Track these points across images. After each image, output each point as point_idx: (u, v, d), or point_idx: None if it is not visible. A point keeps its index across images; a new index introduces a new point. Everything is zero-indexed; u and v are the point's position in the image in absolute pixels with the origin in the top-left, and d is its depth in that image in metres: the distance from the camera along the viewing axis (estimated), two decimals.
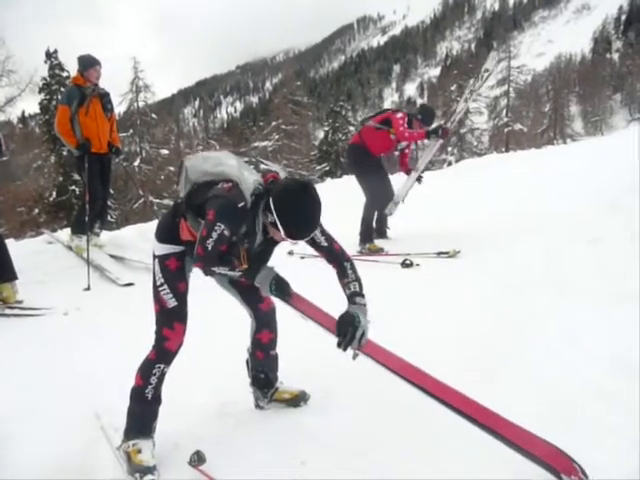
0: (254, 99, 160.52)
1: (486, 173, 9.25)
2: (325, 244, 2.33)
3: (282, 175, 2.31)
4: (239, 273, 2.15)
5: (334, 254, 2.36)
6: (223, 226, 2.09)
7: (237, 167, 2.22)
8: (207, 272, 2.21)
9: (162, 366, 2.31)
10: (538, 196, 6.24)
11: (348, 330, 2.15)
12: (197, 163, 2.34)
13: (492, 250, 4.72)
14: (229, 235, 2.13)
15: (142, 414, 2.32)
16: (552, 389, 2.44)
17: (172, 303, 2.30)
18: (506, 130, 38.56)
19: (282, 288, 2.21)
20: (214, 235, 2.09)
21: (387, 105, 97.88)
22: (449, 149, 38.00)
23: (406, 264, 4.74)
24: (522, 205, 5.99)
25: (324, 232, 2.32)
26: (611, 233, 4.17)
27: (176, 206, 2.41)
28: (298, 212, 2.03)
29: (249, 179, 2.15)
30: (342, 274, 2.36)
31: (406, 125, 5.24)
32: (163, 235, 2.38)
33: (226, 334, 3.20)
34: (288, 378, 2.72)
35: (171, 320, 2.31)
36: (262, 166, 2.30)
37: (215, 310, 3.28)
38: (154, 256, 2.38)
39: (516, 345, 2.91)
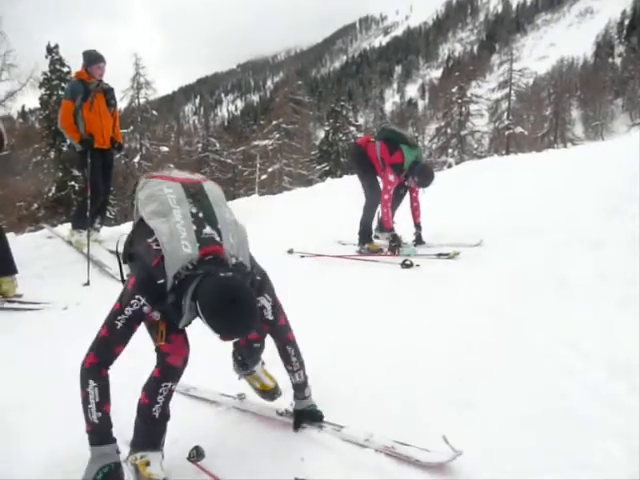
0: (255, 97, 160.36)
1: (487, 175, 9.23)
2: (270, 318, 2.18)
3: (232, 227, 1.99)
4: (96, 420, 1.88)
5: (277, 329, 2.25)
6: (143, 300, 1.87)
7: (171, 233, 1.87)
8: (87, 374, 1.89)
9: (169, 384, 2.13)
10: (538, 199, 6.23)
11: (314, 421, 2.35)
12: (143, 198, 2.09)
13: (492, 252, 4.73)
14: (148, 312, 1.92)
15: (150, 431, 2.18)
16: (550, 390, 2.45)
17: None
18: (507, 133, 38.62)
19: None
20: (128, 311, 1.88)
21: (388, 106, 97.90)
22: (449, 151, 38.06)
23: (406, 264, 4.74)
24: (522, 208, 5.98)
25: (274, 305, 2.17)
26: (612, 237, 4.17)
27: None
28: (224, 324, 1.75)
29: (180, 253, 1.83)
30: (286, 360, 2.31)
31: (391, 191, 5.17)
32: (125, 256, 2.19)
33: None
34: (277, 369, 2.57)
35: (155, 333, 2.13)
36: (206, 230, 1.90)
37: None
38: (122, 279, 2.25)
39: (515, 346, 2.92)
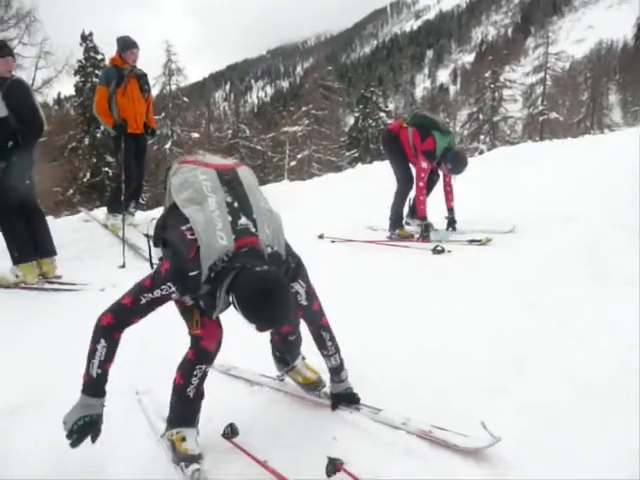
0: (285, 84, 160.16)
1: (521, 161, 9.06)
2: (304, 303, 2.16)
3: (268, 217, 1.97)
4: (95, 374, 1.93)
5: (311, 315, 2.25)
6: (173, 289, 1.88)
7: (207, 223, 1.85)
8: (101, 332, 1.93)
9: (203, 367, 2.18)
10: (574, 186, 6.09)
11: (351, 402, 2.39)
12: (176, 184, 2.06)
13: (525, 239, 4.65)
14: (177, 298, 1.95)
15: (185, 409, 2.24)
16: (586, 377, 2.40)
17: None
18: (541, 119, 37.65)
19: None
20: (157, 293, 1.88)
21: (419, 92, 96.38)
22: (481, 137, 37.35)
23: (437, 250, 4.70)
24: (557, 195, 5.85)
25: (308, 291, 2.16)
26: None
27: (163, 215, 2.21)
28: (261, 317, 1.76)
29: (216, 244, 1.81)
30: (321, 344, 2.32)
31: (425, 178, 5.15)
32: (157, 240, 2.21)
33: None
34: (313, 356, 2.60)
35: (188, 319, 2.16)
36: (241, 221, 1.87)
37: None
38: (159, 259, 2.28)
39: (549, 333, 2.88)
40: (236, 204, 1.93)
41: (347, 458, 2.03)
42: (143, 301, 1.91)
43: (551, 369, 2.53)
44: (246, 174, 2.12)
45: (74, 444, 1.93)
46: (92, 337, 1.95)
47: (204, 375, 2.20)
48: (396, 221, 5.47)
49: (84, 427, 1.92)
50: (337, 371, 2.39)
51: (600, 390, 2.30)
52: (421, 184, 5.16)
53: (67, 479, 2.16)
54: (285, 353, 2.58)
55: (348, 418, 2.34)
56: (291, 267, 2.05)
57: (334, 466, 1.99)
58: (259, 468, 2.08)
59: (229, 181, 2.00)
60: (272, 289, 1.75)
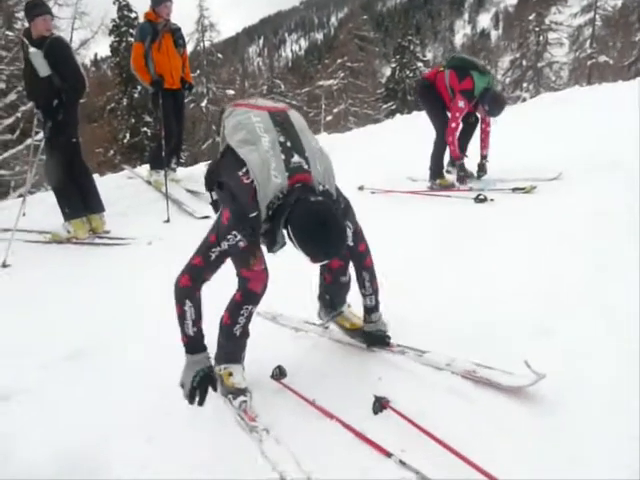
0: (319, 36, 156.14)
1: (567, 107, 8.68)
2: (351, 244, 2.22)
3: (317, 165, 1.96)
4: (192, 334, 2.06)
5: (356, 255, 2.33)
6: (239, 236, 1.94)
7: (262, 163, 1.89)
8: (183, 293, 2.04)
9: (250, 307, 2.27)
10: (622, 132, 5.82)
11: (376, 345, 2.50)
12: (230, 126, 2.10)
13: (571, 186, 4.51)
14: (244, 246, 2.00)
15: (231, 347, 2.36)
16: (630, 324, 2.37)
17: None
18: (589, 63, 35.60)
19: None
20: (224, 245, 1.97)
21: (459, 39, 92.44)
22: (524, 85, 35.75)
23: (480, 199, 4.62)
24: (606, 139, 5.60)
25: (355, 231, 2.23)
26: None
27: (216, 160, 2.28)
28: (316, 246, 1.82)
29: (270, 183, 1.86)
30: (360, 283, 2.41)
31: (459, 119, 5.00)
32: (210, 183, 2.28)
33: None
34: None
35: (246, 260, 2.20)
36: (294, 159, 1.90)
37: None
38: (210, 203, 2.40)
39: (599, 280, 2.83)
40: (289, 143, 1.96)
41: (393, 397, 2.09)
42: (213, 256, 2.01)
43: (601, 314, 2.51)
44: (297, 116, 2.16)
45: (201, 401, 2.08)
46: (176, 299, 2.06)
47: (250, 315, 2.31)
48: (436, 171, 5.38)
49: (202, 381, 2.07)
50: (370, 311, 2.48)
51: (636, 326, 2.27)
52: (454, 124, 5.04)
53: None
54: (334, 296, 2.63)
55: (392, 360, 2.40)
56: (340, 207, 2.09)
57: (380, 404, 2.06)
58: (308, 407, 2.17)
59: (281, 122, 2.04)
60: (326, 218, 1.82)
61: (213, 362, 2.37)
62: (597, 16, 37.57)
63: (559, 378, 2.01)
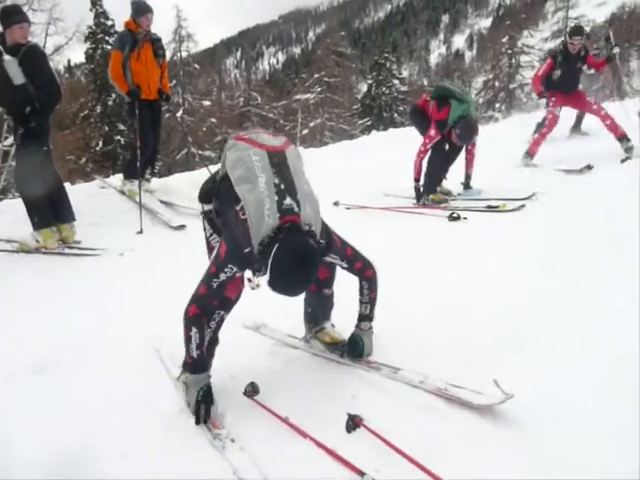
0: (297, 50, 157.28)
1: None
2: (346, 266, 2.41)
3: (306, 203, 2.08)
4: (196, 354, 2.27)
5: (354, 272, 2.46)
6: (235, 269, 2.16)
7: (257, 203, 2.01)
8: (191, 321, 2.25)
9: (222, 313, 2.39)
10: (595, 150, 6.04)
11: (353, 352, 2.57)
12: (231, 160, 2.22)
13: (543, 205, 4.66)
14: (241, 276, 2.22)
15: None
16: (604, 341, 2.43)
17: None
18: None
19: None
20: (222, 277, 2.18)
21: (434, 58, 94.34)
22: (497, 105, 36.62)
23: (453, 217, 4.70)
24: (576, 161, 5.78)
25: (344, 257, 2.37)
26: None
27: (214, 178, 2.44)
28: (286, 282, 1.99)
29: (263, 224, 1.98)
30: (359, 290, 2.52)
31: (429, 145, 5.35)
32: (204, 197, 2.51)
33: None
34: (342, 324, 2.74)
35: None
36: (286, 201, 2.03)
37: None
38: (200, 214, 2.58)
39: (567, 296, 2.90)
40: (283, 185, 2.09)
41: (366, 415, 2.09)
42: (215, 286, 2.21)
43: (565, 329, 2.57)
44: (293, 156, 2.26)
45: (206, 413, 2.24)
46: (185, 325, 2.28)
47: (221, 321, 2.42)
48: (430, 187, 5.49)
49: (204, 396, 2.26)
50: (361, 319, 2.56)
51: (613, 351, 2.33)
52: (422, 148, 5.38)
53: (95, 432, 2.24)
54: (317, 309, 2.74)
55: (367, 377, 2.40)
56: (323, 244, 2.21)
57: (354, 422, 2.06)
58: (281, 424, 2.15)
59: (278, 163, 2.16)
60: (305, 257, 1.98)
61: (181, 369, 2.50)
62: None
63: (531, 396, 2.04)
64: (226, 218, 2.24)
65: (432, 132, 5.29)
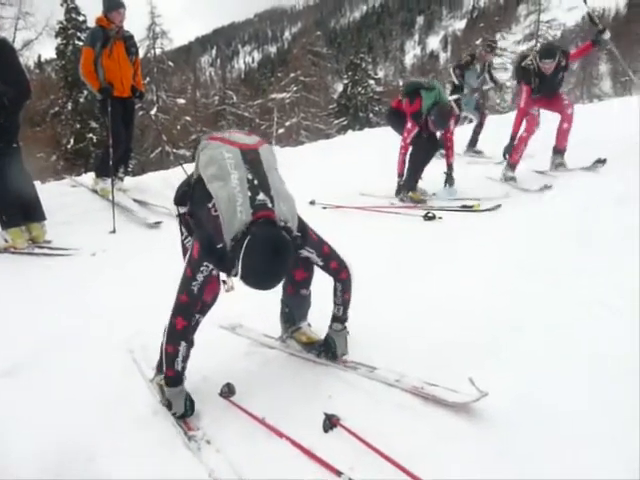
0: (272, 49, 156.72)
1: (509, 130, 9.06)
2: (321, 263, 2.38)
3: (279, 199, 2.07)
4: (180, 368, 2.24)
5: (330, 272, 2.43)
6: (211, 265, 2.10)
7: (229, 199, 2.00)
8: (179, 336, 2.21)
9: (198, 316, 2.32)
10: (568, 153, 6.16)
11: (327, 354, 2.56)
12: (204, 160, 2.20)
13: (515, 206, 4.72)
14: (217, 273, 2.16)
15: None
16: (576, 341, 2.47)
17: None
18: None
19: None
20: (200, 277, 2.12)
21: (409, 59, 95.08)
22: None
23: (428, 217, 4.74)
24: (546, 164, 5.89)
25: (320, 253, 2.34)
26: (637, 192, 4.12)
27: (189, 181, 2.40)
28: (258, 274, 1.95)
29: (235, 219, 1.96)
30: (334, 291, 2.49)
31: (408, 139, 5.43)
32: (179, 200, 2.47)
33: None
34: (317, 323, 2.74)
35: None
36: (259, 196, 2.01)
37: None
38: (176, 216, 2.54)
39: (540, 296, 2.92)
40: (256, 181, 2.07)
41: (343, 414, 2.10)
42: (195, 290, 2.14)
43: (543, 331, 2.59)
44: (267, 154, 2.23)
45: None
46: (170, 339, 2.23)
47: (197, 325, 2.34)
48: (409, 184, 5.52)
49: (192, 405, 2.28)
50: (334, 319, 2.54)
51: (588, 350, 2.37)
52: (402, 144, 5.48)
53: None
54: (295, 309, 2.72)
55: (344, 376, 2.40)
56: (298, 237, 2.18)
57: (331, 421, 2.06)
58: (257, 424, 2.14)
59: (251, 160, 2.14)
60: (278, 247, 1.94)
61: (154, 371, 2.49)
62: (538, 44, 39.51)
63: (506, 395, 2.06)
64: (198, 217, 2.22)
65: (409, 125, 5.38)
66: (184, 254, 2.50)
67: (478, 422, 2.01)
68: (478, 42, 37.48)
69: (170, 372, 2.25)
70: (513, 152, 5.76)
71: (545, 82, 5.45)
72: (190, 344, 2.26)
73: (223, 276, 2.21)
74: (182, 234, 2.53)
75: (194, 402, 2.29)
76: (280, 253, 1.93)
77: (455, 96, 7.51)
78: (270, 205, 2.02)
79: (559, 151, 5.69)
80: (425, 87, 5.29)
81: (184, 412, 2.25)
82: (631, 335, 2.39)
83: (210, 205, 2.06)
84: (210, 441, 2.10)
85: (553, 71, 5.38)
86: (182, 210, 2.46)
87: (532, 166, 5.84)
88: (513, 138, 5.76)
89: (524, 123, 5.77)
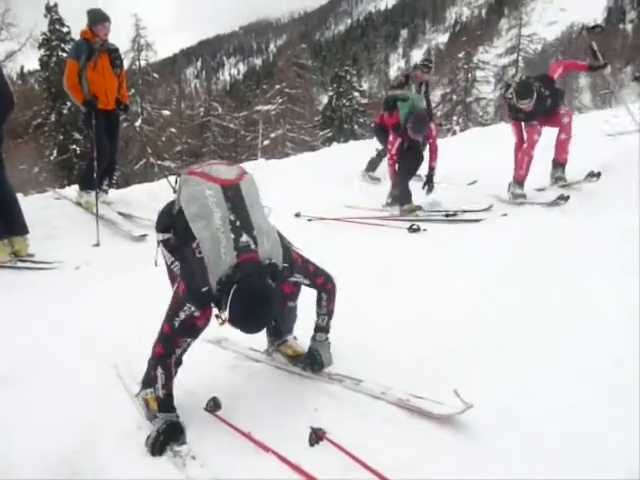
0: (257, 61, 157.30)
1: (495, 141, 9.20)
2: (308, 282, 2.42)
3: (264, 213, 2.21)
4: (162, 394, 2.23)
5: (315, 286, 2.46)
6: (193, 308, 2.13)
7: (213, 241, 2.04)
8: (157, 361, 2.23)
9: (189, 340, 2.28)
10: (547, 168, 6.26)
11: (313, 366, 2.54)
12: (185, 196, 2.22)
13: (500, 218, 4.79)
14: (199, 315, 2.17)
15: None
16: (560, 350, 2.50)
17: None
18: None
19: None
20: (182, 315, 2.14)
21: (393, 72, 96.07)
22: (454, 118, 37.55)
23: (413, 229, 4.78)
24: (532, 176, 5.97)
25: (307, 274, 2.37)
26: (617, 203, 4.21)
27: (170, 211, 2.40)
28: (246, 321, 2.02)
29: (220, 262, 2.01)
30: (318, 303, 2.50)
31: (392, 150, 5.61)
32: (161, 228, 2.49)
33: None
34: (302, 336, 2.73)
35: None
36: (243, 238, 2.05)
37: None
38: (158, 242, 2.52)
39: (524, 307, 2.96)
40: (238, 222, 2.10)
41: (329, 428, 2.10)
42: (177, 325, 2.16)
43: (527, 343, 2.60)
44: (248, 187, 2.25)
45: (160, 449, 2.15)
46: (152, 364, 2.28)
47: (188, 346, 2.30)
48: (404, 197, 5.55)
49: (167, 429, 2.18)
50: (317, 330, 2.54)
51: (570, 359, 2.40)
52: (388, 156, 5.71)
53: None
54: (280, 322, 2.71)
55: (330, 389, 2.40)
56: (286, 268, 2.22)
57: (317, 435, 2.06)
58: (243, 439, 2.13)
59: (232, 197, 2.17)
60: (262, 296, 2.00)
61: (140, 386, 2.48)
62: (520, 58, 40.29)
63: (491, 408, 2.08)
64: (183, 254, 2.25)
65: (391, 137, 5.62)
66: (171, 279, 2.52)
67: (463, 434, 2.02)
68: (461, 55, 38.20)
69: (156, 399, 2.27)
70: (517, 167, 5.38)
71: (532, 112, 5.14)
72: (169, 371, 2.24)
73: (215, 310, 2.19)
74: (167, 259, 2.52)
75: (181, 430, 2.23)
76: (265, 304, 2.00)
77: None
78: (253, 247, 2.06)
79: (559, 164, 5.39)
80: (400, 98, 5.55)
81: (155, 433, 2.17)
82: (618, 347, 2.42)
83: (194, 245, 2.11)
84: (195, 456, 2.09)
85: (535, 104, 5.05)
86: (165, 237, 2.47)
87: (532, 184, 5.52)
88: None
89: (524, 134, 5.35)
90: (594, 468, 1.75)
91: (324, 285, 2.45)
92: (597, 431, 1.93)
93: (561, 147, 5.33)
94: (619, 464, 1.76)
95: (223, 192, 2.16)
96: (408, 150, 5.58)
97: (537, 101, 5.03)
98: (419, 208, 5.40)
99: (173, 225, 2.36)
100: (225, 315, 2.05)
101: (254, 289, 1.98)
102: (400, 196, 5.56)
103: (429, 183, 5.59)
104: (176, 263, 2.45)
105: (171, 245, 2.47)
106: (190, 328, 2.23)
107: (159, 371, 2.22)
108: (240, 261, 2.01)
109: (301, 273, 2.35)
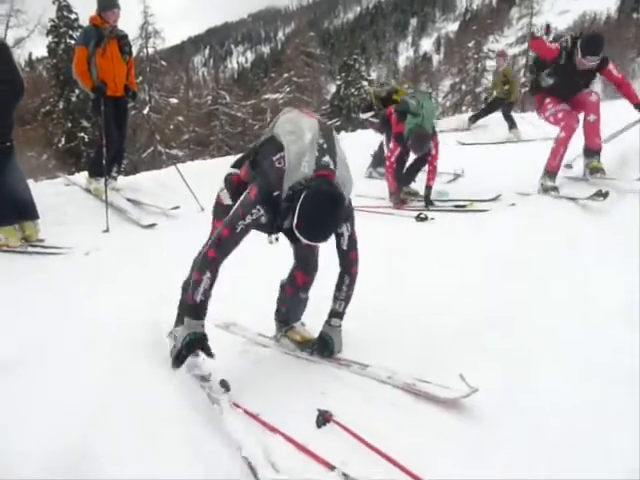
0: (266, 49, 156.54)
1: (502, 133, 9.18)
2: (344, 247, 2.44)
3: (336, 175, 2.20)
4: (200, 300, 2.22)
5: (346, 260, 2.48)
6: (262, 211, 2.19)
7: (298, 153, 2.17)
8: (207, 264, 2.22)
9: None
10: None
11: (323, 351, 2.56)
12: (283, 119, 2.37)
13: (507, 208, 4.78)
14: (266, 221, 2.22)
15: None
16: (565, 338, 2.53)
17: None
18: (523, 90, 37.60)
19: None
20: (248, 219, 2.19)
21: (402, 61, 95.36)
22: (463, 108, 37.26)
23: (421, 218, 4.79)
24: (537, 167, 5.95)
25: (351, 237, 2.42)
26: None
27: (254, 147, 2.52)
28: (313, 223, 2.09)
29: (298, 171, 2.14)
30: (338, 285, 2.52)
31: (392, 158, 5.56)
32: (237, 162, 2.61)
33: (260, 276, 3.22)
34: (312, 321, 2.77)
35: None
36: (325, 158, 2.17)
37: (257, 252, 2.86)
38: (225, 179, 2.61)
39: (529, 296, 2.98)
40: (325, 146, 2.23)
41: (336, 410, 2.13)
42: (239, 229, 2.20)
43: (533, 331, 2.63)
44: (336, 134, 2.40)
45: (182, 359, 2.26)
46: (197, 267, 2.26)
47: (215, 278, 2.28)
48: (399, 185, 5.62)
49: (190, 343, 2.25)
50: (333, 315, 2.55)
51: (575, 351, 2.42)
52: (388, 163, 5.62)
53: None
54: (290, 310, 2.77)
55: (337, 373, 2.44)
56: (348, 206, 2.33)
57: (324, 417, 2.09)
58: (252, 421, 2.16)
59: (325, 129, 2.32)
60: (334, 200, 2.09)
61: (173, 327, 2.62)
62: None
63: (496, 391, 2.11)
64: (262, 167, 2.31)
65: (392, 145, 5.59)
66: (215, 222, 2.61)
67: (469, 418, 2.05)
68: (471, 44, 37.82)
69: (190, 300, 2.26)
70: (551, 157, 4.80)
71: (568, 78, 4.56)
72: (214, 277, 2.24)
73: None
74: (223, 195, 2.58)
75: (206, 346, 2.28)
76: (335, 206, 2.09)
77: (370, 113, 7.33)
78: (332, 167, 2.17)
79: (593, 151, 4.76)
80: (412, 112, 5.30)
81: (179, 347, 2.25)
82: (624, 340, 2.43)
83: (275, 158, 2.20)
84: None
85: (585, 70, 4.48)
86: (233, 171, 2.56)
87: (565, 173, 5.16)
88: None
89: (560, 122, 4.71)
90: (594, 468, 1.76)
91: (352, 264, 2.48)
92: (599, 428, 1.94)
93: (591, 131, 4.65)
94: (619, 464, 1.77)
95: (319, 124, 2.31)
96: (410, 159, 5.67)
97: (574, 75, 4.45)
98: (416, 193, 5.54)
99: (255, 152, 2.42)
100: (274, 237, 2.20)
101: (325, 192, 2.09)
102: (398, 185, 5.61)
103: (426, 202, 5.38)
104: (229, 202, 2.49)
105: (235, 184, 2.51)
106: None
107: (206, 275, 2.21)
108: (316, 175, 2.13)
109: (350, 230, 2.41)
